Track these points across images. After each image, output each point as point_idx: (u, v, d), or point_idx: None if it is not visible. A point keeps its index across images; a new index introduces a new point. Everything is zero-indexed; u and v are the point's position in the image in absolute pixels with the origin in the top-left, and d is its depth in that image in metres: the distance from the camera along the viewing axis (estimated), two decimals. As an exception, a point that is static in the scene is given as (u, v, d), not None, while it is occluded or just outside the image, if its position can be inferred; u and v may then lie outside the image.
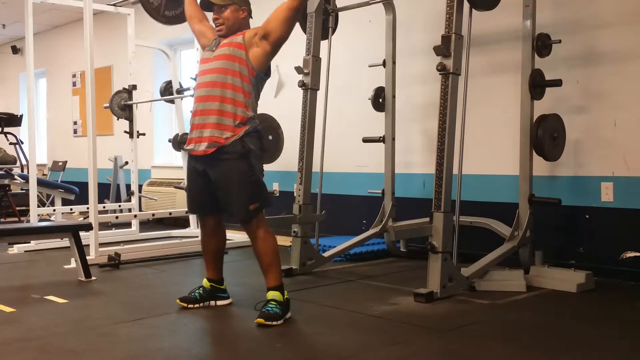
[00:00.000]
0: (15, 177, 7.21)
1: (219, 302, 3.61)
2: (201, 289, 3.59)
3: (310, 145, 4.58)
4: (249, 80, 3.31)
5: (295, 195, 4.54)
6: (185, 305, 3.53)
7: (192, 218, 6.70)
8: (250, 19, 3.47)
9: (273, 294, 3.26)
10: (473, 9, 3.83)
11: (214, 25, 3.45)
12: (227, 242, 5.90)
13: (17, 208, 7.60)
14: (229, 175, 3.26)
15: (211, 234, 3.54)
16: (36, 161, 5.95)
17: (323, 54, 4.54)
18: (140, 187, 6.97)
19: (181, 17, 4.18)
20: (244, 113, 3.27)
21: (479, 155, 4.81)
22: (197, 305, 3.54)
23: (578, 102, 4.37)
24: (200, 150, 3.29)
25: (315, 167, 4.62)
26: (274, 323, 3.15)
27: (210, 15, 3.51)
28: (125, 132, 6.70)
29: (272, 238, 3.36)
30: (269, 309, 3.20)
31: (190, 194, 3.51)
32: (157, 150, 8.27)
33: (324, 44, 4.59)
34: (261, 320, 3.14)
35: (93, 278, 4.38)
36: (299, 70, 4.52)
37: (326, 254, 4.70)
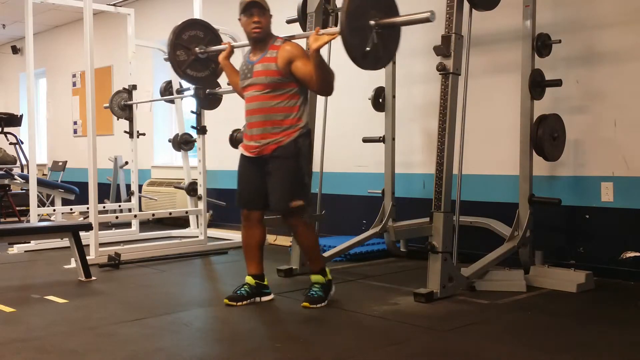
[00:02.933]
0: (15, 177, 7.21)
1: (264, 298, 3.70)
2: (246, 286, 3.65)
3: (310, 145, 4.57)
4: (288, 95, 3.51)
5: (295, 195, 4.53)
6: (234, 304, 3.57)
7: (192, 218, 6.70)
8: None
9: (316, 278, 3.62)
10: (473, 9, 3.83)
11: (252, 26, 3.53)
12: (227, 242, 5.95)
13: (17, 208, 7.60)
14: (279, 173, 3.51)
15: (254, 227, 3.71)
16: (36, 161, 5.96)
17: (323, 54, 4.52)
18: (140, 187, 6.97)
19: (201, 81, 4.36)
20: (292, 125, 3.52)
21: (479, 155, 4.80)
22: (244, 303, 3.60)
23: (578, 102, 4.37)
24: (256, 152, 3.55)
25: (315, 167, 4.61)
26: (319, 305, 3.50)
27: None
28: (125, 132, 6.70)
29: (311, 232, 3.68)
30: (313, 292, 3.55)
31: (242, 191, 3.69)
32: (157, 150, 8.27)
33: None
34: (306, 304, 3.49)
35: (93, 278, 4.38)
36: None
37: (326, 254, 4.70)
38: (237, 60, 3.85)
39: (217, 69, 4.21)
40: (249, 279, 3.67)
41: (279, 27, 4.83)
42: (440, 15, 3.69)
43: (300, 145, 3.53)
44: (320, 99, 4.56)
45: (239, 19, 3.60)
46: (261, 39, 3.55)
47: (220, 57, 3.85)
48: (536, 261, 4.11)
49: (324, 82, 3.45)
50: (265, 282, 3.72)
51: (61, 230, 4.76)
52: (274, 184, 3.52)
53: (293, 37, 3.65)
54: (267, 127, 3.51)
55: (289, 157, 3.50)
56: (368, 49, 3.23)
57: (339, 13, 3.16)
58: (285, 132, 3.50)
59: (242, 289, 3.64)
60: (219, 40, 4.23)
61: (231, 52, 3.84)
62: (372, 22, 3.24)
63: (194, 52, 4.11)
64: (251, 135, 3.58)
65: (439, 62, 3.67)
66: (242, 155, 3.67)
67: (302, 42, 3.93)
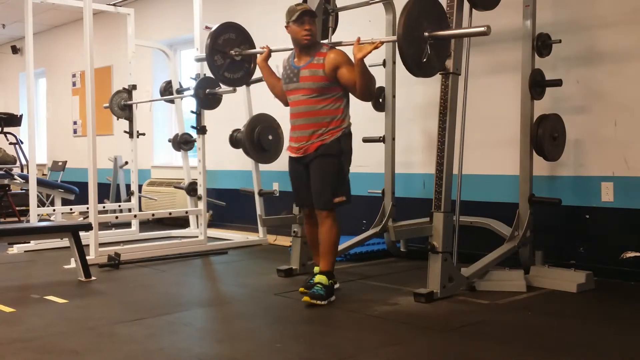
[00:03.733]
0: (15, 177, 7.21)
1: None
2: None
3: (310, 145, 4.56)
4: (334, 99, 3.71)
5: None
6: (308, 292, 3.69)
7: (192, 218, 6.70)
8: None
9: (320, 278, 3.66)
10: (473, 9, 3.83)
11: (303, 33, 3.69)
12: (227, 242, 5.95)
13: (17, 208, 7.59)
14: (323, 170, 3.71)
15: (316, 224, 3.84)
16: (36, 161, 5.96)
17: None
18: (140, 187, 6.97)
19: (236, 82, 4.58)
20: (337, 126, 3.72)
21: (479, 155, 4.80)
22: None
23: (578, 102, 4.37)
24: (302, 152, 3.76)
25: (315, 167, 4.60)
26: (318, 302, 3.54)
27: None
28: (125, 132, 6.70)
29: (336, 230, 3.74)
30: (315, 290, 3.59)
31: (297, 191, 3.94)
32: (157, 150, 8.27)
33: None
34: (307, 299, 3.55)
35: (93, 278, 4.38)
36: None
37: (326, 254, 4.69)
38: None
39: (250, 69, 4.46)
40: (317, 269, 3.83)
41: (279, 27, 4.83)
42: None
43: (343, 144, 3.73)
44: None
45: (287, 26, 3.76)
46: (309, 46, 3.72)
47: (259, 60, 4.02)
48: (536, 261, 4.11)
49: (366, 89, 3.64)
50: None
51: (61, 230, 4.76)
52: (317, 180, 3.72)
53: (339, 43, 3.83)
54: (314, 129, 3.71)
55: (332, 155, 3.70)
56: (424, 60, 3.38)
57: (396, 26, 3.30)
58: (329, 132, 3.70)
59: (313, 279, 3.79)
60: (249, 40, 4.42)
61: (269, 55, 4.01)
62: (426, 34, 3.37)
63: (229, 55, 4.32)
64: (297, 137, 3.80)
65: (439, 62, 3.66)
66: (290, 158, 3.90)
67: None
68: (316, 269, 3.85)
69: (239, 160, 6.42)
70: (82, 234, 4.51)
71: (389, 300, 3.68)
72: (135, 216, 6.29)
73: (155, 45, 7.24)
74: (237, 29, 4.43)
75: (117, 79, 8.46)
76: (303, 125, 3.74)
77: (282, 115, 5.65)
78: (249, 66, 4.47)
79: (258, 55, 4.12)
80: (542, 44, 4.12)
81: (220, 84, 5.50)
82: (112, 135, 8.60)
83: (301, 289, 3.82)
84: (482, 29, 3.31)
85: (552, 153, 4.15)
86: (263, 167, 6.02)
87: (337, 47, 3.78)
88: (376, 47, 3.49)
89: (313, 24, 3.72)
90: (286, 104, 3.96)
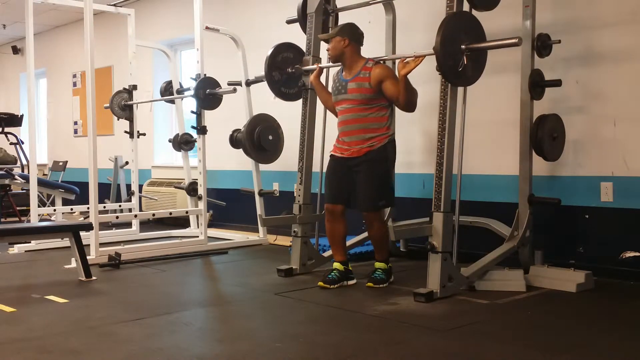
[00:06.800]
0: (16, 177, 7.22)
1: (349, 282, 4.11)
2: (336, 271, 4.08)
3: (310, 145, 4.58)
4: (378, 108, 4.00)
5: (295, 195, 4.54)
6: (328, 286, 3.98)
7: (192, 218, 6.71)
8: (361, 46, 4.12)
9: (379, 264, 4.09)
10: (473, 9, 3.83)
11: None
12: (227, 242, 5.96)
13: (18, 208, 7.61)
14: (369, 174, 3.97)
15: (337, 220, 4.11)
16: (37, 161, 5.97)
17: (323, 54, 4.54)
18: (140, 187, 6.98)
19: (292, 97, 4.78)
20: (383, 132, 4.01)
21: (479, 155, 4.81)
22: (336, 286, 4.00)
23: (577, 102, 4.37)
24: (349, 153, 4.03)
25: (315, 167, 4.62)
26: (381, 286, 3.98)
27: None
28: (126, 132, 6.71)
29: (384, 228, 4.10)
30: (377, 275, 4.03)
31: (331, 188, 4.14)
32: (158, 150, 8.28)
33: (324, 44, 4.60)
34: (370, 284, 3.98)
35: (93, 278, 4.39)
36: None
37: (326, 254, 4.71)
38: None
39: (304, 86, 4.70)
40: (337, 265, 4.10)
41: (280, 27, 4.85)
42: (440, 15, 3.71)
43: (389, 150, 4.03)
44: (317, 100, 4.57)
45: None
46: (337, 60, 4.10)
47: (312, 78, 4.35)
48: (536, 261, 4.11)
49: (409, 101, 3.96)
50: (350, 268, 4.14)
51: (62, 230, 4.77)
52: (364, 184, 3.97)
53: (383, 58, 4.21)
54: (362, 134, 3.99)
55: (378, 161, 3.98)
56: (460, 69, 3.61)
57: (435, 38, 3.53)
58: (377, 138, 3.99)
59: (333, 273, 4.05)
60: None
61: (321, 72, 4.38)
62: (463, 47, 3.60)
63: (286, 72, 4.68)
64: (343, 141, 4.09)
65: (439, 62, 3.67)
66: (332, 157, 4.18)
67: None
68: (335, 264, 4.10)
69: (239, 160, 6.43)
70: (82, 233, 4.52)
71: (389, 300, 3.69)
72: (135, 216, 6.30)
73: (156, 45, 7.25)
74: (295, 49, 4.72)
75: (118, 79, 8.48)
76: (353, 131, 4.02)
77: (282, 115, 5.67)
78: (303, 84, 4.70)
79: (310, 73, 4.41)
80: (542, 44, 4.12)
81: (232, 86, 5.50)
82: (112, 135, 8.61)
83: (320, 283, 4.01)
84: (514, 40, 3.53)
85: (552, 153, 4.16)
86: (263, 167, 6.03)
87: (380, 62, 4.06)
88: (419, 63, 3.75)
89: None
90: (337, 115, 4.19)
